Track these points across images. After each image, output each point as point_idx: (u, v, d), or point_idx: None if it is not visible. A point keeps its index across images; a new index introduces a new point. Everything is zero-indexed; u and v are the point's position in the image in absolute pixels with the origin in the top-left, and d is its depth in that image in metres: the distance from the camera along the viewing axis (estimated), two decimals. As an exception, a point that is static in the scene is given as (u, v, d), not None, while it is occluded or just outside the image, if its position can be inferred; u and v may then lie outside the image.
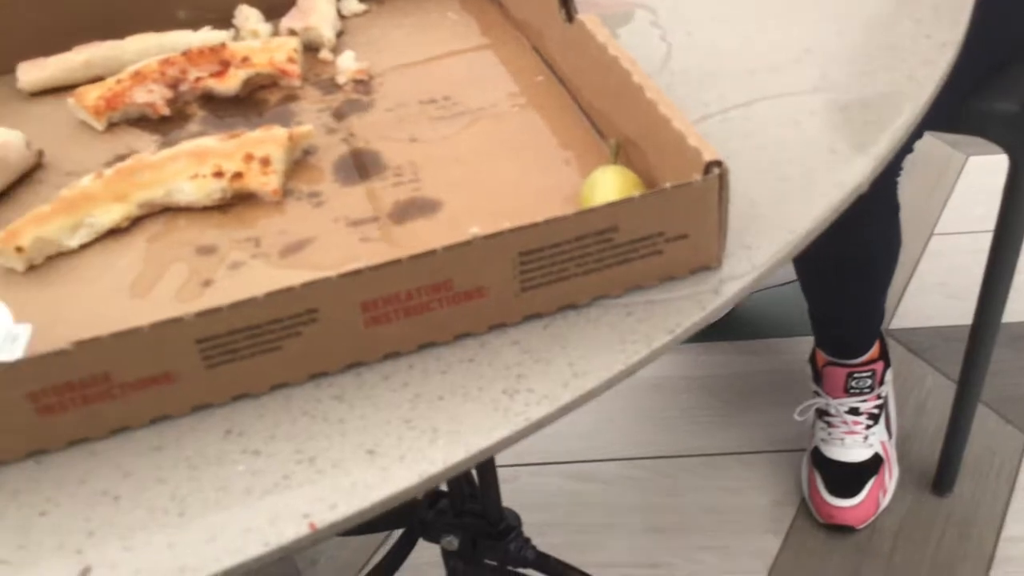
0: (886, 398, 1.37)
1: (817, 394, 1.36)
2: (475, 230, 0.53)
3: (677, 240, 0.56)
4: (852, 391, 1.33)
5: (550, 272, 0.55)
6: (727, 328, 1.65)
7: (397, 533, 1.34)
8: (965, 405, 1.34)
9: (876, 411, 1.34)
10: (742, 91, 0.70)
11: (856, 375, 1.32)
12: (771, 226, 0.60)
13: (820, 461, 1.35)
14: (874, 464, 1.34)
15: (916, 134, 1.14)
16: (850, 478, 1.33)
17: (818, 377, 1.36)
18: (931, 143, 1.97)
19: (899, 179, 1.19)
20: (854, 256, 1.21)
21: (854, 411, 1.34)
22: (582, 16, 0.68)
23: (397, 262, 0.52)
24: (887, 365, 1.36)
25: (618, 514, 1.43)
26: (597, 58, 0.65)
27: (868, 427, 1.33)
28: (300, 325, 0.52)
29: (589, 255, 0.55)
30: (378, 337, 0.54)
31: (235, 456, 0.51)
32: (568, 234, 0.54)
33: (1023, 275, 1.64)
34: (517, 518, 1.24)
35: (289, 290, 0.50)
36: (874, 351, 1.34)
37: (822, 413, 1.36)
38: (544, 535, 1.41)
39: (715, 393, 1.58)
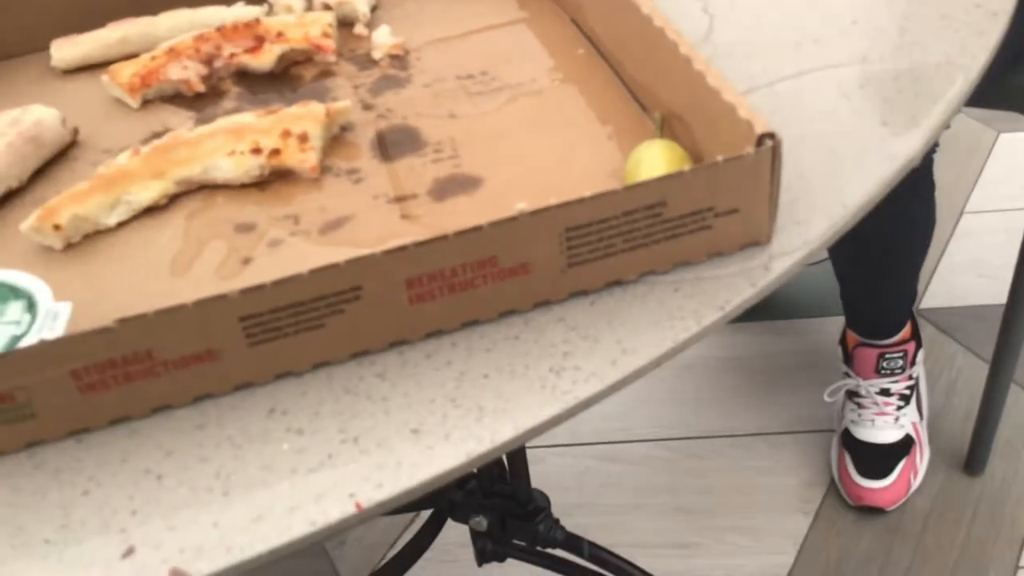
0: (917, 379, 1.36)
1: (847, 375, 1.35)
2: (521, 205, 0.52)
3: (727, 215, 0.55)
4: (883, 372, 1.31)
5: (597, 248, 0.54)
6: (758, 308, 1.63)
7: (426, 513, 1.34)
8: (998, 385, 1.32)
9: (907, 392, 1.33)
10: (789, 64, 0.69)
11: (888, 355, 1.31)
12: (823, 201, 0.59)
13: (850, 443, 1.34)
14: (905, 445, 1.32)
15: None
16: (880, 459, 1.32)
17: (848, 358, 1.35)
18: (961, 120, 1.94)
19: (935, 156, 1.17)
20: (891, 233, 1.20)
21: (885, 392, 1.32)
22: (624, -13, 0.66)
23: (443, 238, 0.51)
24: (919, 346, 1.35)
25: (646, 495, 1.42)
26: (641, 29, 0.64)
27: (899, 408, 1.32)
28: (344, 303, 0.51)
29: (637, 230, 0.54)
30: (422, 314, 0.53)
31: (279, 435, 0.50)
32: (616, 209, 0.53)
33: (1057, 254, 1.63)
34: (546, 499, 1.23)
35: (334, 267, 0.49)
36: (906, 331, 1.32)
37: (852, 394, 1.35)
38: (572, 516, 1.41)
39: (746, 374, 1.56)
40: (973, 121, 1.95)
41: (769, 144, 0.53)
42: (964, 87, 0.64)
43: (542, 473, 1.47)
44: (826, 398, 1.37)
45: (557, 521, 1.22)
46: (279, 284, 0.49)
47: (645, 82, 0.66)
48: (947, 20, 0.69)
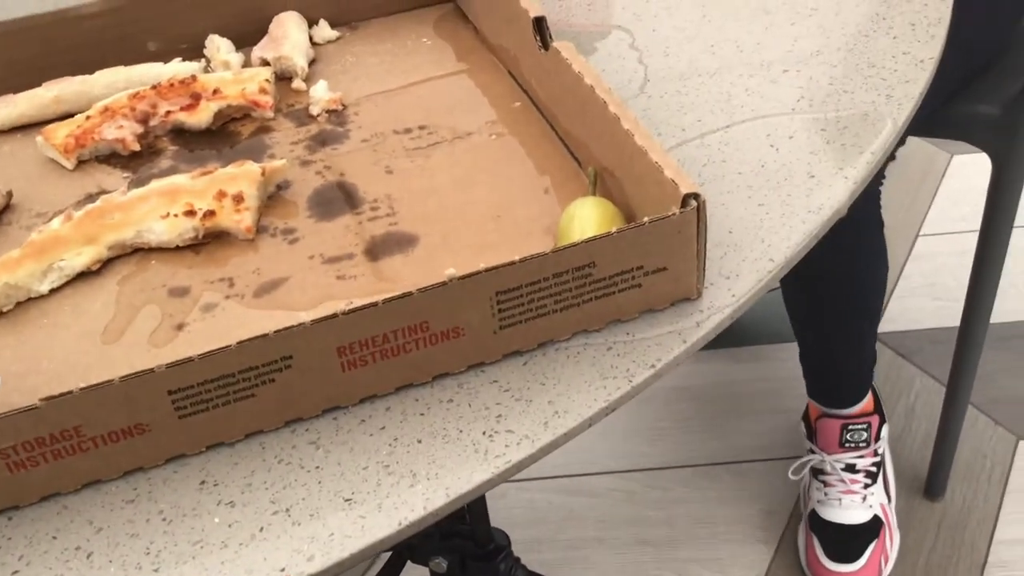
0: (883, 457, 1.32)
1: (812, 451, 1.31)
2: (451, 271, 0.52)
3: (656, 273, 0.56)
4: (848, 444, 1.28)
5: (528, 310, 0.54)
6: (720, 335, 1.64)
7: (385, 556, 1.33)
8: (954, 408, 1.33)
9: (874, 469, 1.29)
10: (720, 115, 0.70)
11: (852, 427, 1.27)
12: (750, 255, 0.59)
13: (817, 525, 1.29)
14: (874, 527, 1.28)
15: (899, 141, 1.14)
16: (849, 542, 1.26)
17: (812, 433, 1.32)
18: (915, 143, 1.96)
19: (882, 187, 1.18)
20: (839, 274, 1.18)
21: (851, 468, 1.28)
22: (557, 43, 0.67)
23: (373, 306, 0.51)
24: (883, 420, 1.32)
25: (609, 528, 1.42)
26: (573, 87, 0.65)
27: (866, 486, 1.28)
28: (274, 372, 0.51)
29: (567, 291, 0.55)
30: (355, 380, 0.53)
31: (210, 508, 0.50)
32: (545, 272, 0.53)
33: (1010, 276, 1.66)
34: (506, 537, 1.23)
35: (262, 338, 0.49)
36: (868, 403, 1.30)
37: (817, 472, 1.31)
38: (535, 551, 1.40)
39: (706, 402, 1.57)
40: (927, 144, 1.97)
41: (694, 205, 0.54)
42: (890, 137, 0.65)
43: (504, 508, 1.47)
44: (791, 476, 1.33)
45: (518, 560, 1.22)
46: (207, 357, 0.49)
47: (579, 137, 0.67)
48: (875, 68, 0.71)
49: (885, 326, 1.63)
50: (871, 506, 1.28)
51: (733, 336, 1.65)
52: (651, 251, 0.55)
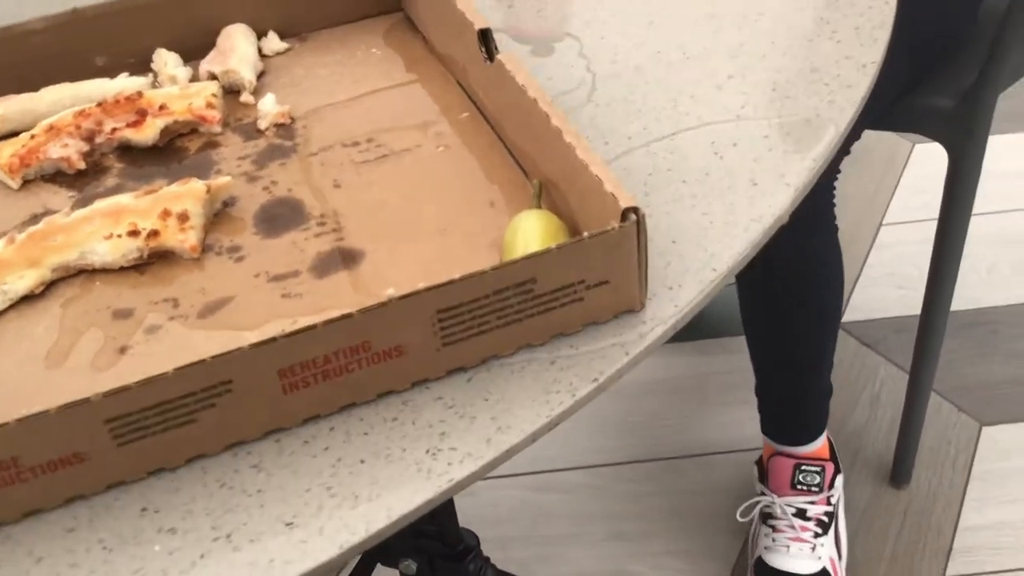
0: (836, 509, 1.27)
1: (763, 493, 1.27)
2: (391, 291, 0.52)
3: (598, 287, 0.56)
4: (799, 487, 1.24)
5: (470, 327, 0.55)
6: (686, 328, 1.65)
7: (354, 559, 1.33)
8: (918, 396, 1.34)
9: (825, 519, 1.24)
10: (666, 122, 0.70)
11: (804, 468, 1.24)
12: (693, 265, 0.60)
13: (764, 573, 1.24)
14: None
15: (854, 135, 1.14)
16: None
17: (764, 474, 1.29)
18: (877, 132, 1.98)
19: (838, 180, 1.18)
20: (792, 284, 1.16)
21: (801, 514, 1.23)
22: (502, 55, 0.67)
23: (312, 328, 0.51)
24: (837, 470, 1.28)
25: (581, 524, 1.43)
26: (517, 99, 0.65)
27: (816, 535, 1.23)
28: (214, 397, 0.51)
29: (509, 307, 0.55)
30: (297, 402, 0.53)
31: (150, 535, 0.50)
32: (486, 289, 0.53)
33: (970, 262, 1.67)
34: (475, 537, 1.23)
35: (200, 363, 0.49)
36: (823, 448, 1.26)
37: (766, 517, 1.26)
38: (507, 549, 1.41)
39: (676, 395, 1.58)
40: (889, 133, 1.98)
41: (633, 219, 0.54)
42: (831, 143, 0.66)
43: (476, 506, 1.47)
44: (738, 517, 1.29)
45: (488, 560, 1.22)
46: (144, 384, 0.49)
47: (525, 149, 0.67)
48: (818, 73, 0.71)
49: (849, 315, 1.65)
50: (820, 557, 1.22)
51: (701, 329, 1.66)
52: (592, 265, 0.55)
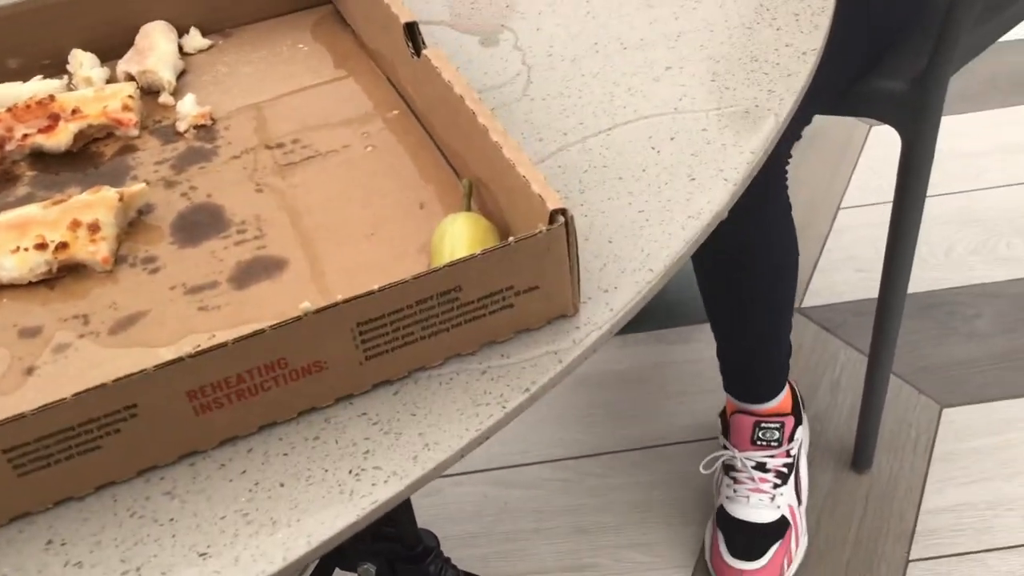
0: (796, 459, 1.31)
1: (725, 447, 1.31)
2: (306, 304, 0.49)
3: (528, 292, 0.54)
4: (759, 442, 1.27)
5: (394, 338, 0.52)
6: (645, 318, 1.63)
7: (312, 563, 1.31)
8: (877, 379, 1.34)
9: (784, 470, 1.28)
10: (602, 117, 0.68)
11: (764, 424, 1.27)
12: (629, 266, 0.57)
13: (724, 521, 1.29)
14: (780, 527, 1.27)
15: (804, 121, 1.13)
16: (753, 541, 1.26)
17: (726, 428, 1.32)
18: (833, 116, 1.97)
19: (789, 166, 1.17)
20: (746, 261, 1.17)
21: (761, 467, 1.27)
22: (428, 51, 0.64)
23: (222, 346, 0.48)
24: (798, 422, 1.30)
25: (544, 518, 1.41)
26: (444, 95, 0.62)
27: (775, 486, 1.27)
28: (119, 422, 0.48)
29: (434, 317, 0.52)
30: (211, 424, 0.50)
31: (56, 570, 0.47)
32: (408, 299, 0.51)
33: (927, 245, 1.67)
34: (435, 538, 1.21)
35: (101, 387, 0.46)
36: (784, 402, 1.29)
37: (728, 468, 1.30)
38: (470, 547, 1.39)
39: (638, 386, 1.56)
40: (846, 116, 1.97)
41: (561, 221, 0.51)
42: (772, 132, 0.63)
43: (439, 504, 1.45)
44: (701, 470, 1.32)
45: (448, 560, 1.20)
46: (41, 412, 0.46)
47: (454, 148, 0.64)
48: (757, 63, 0.69)
49: (809, 300, 1.64)
50: (779, 507, 1.27)
51: (661, 318, 1.64)
52: (520, 271, 0.53)
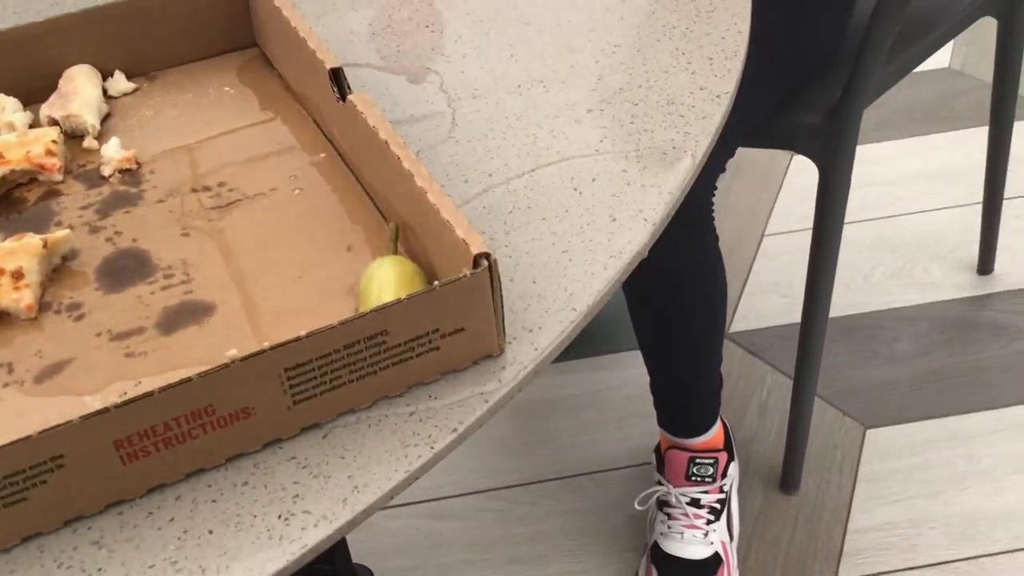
0: (729, 495, 1.33)
1: (660, 483, 1.33)
2: (233, 351, 0.50)
3: (454, 335, 0.55)
4: (694, 478, 1.29)
5: (322, 383, 0.53)
6: (577, 345, 1.65)
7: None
8: (802, 401, 1.37)
9: (718, 506, 1.31)
10: (526, 158, 0.69)
11: (698, 460, 1.29)
12: (553, 305, 0.59)
13: (658, 557, 1.30)
14: (714, 564, 1.29)
15: (727, 153, 1.16)
16: None
17: (661, 464, 1.34)
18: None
19: (715, 196, 1.20)
20: (675, 292, 1.19)
21: (695, 503, 1.29)
22: (353, 96, 0.65)
23: (148, 395, 0.48)
24: (731, 458, 1.33)
25: (478, 550, 1.42)
26: (370, 140, 0.63)
27: (709, 522, 1.29)
28: (45, 474, 0.48)
29: (361, 360, 0.53)
30: (138, 472, 0.50)
31: (-20, 626, 0.47)
32: (335, 344, 0.52)
33: (848, 270, 1.72)
34: (370, 573, 1.21)
35: (26, 440, 0.46)
36: (716, 437, 1.31)
37: (663, 504, 1.32)
38: (404, 580, 1.39)
39: (572, 412, 1.58)
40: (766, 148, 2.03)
41: (484, 265, 0.53)
42: (688, 174, 0.66)
43: (372, 538, 1.45)
44: (636, 506, 1.34)
45: (382, 595, 1.20)
46: (-35, 466, 0.46)
47: (380, 191, 0.65)
48: (674, 105, 0.71)
49: (736, 325, 1.67)
50: (712, 543, 1.29)
51: (593, 345, 1.66)
52: (446, 314, 0.54)
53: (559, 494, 1.47)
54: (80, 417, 0.47)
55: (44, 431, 0.46)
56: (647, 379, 1.32)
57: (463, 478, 1.50)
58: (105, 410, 0.47)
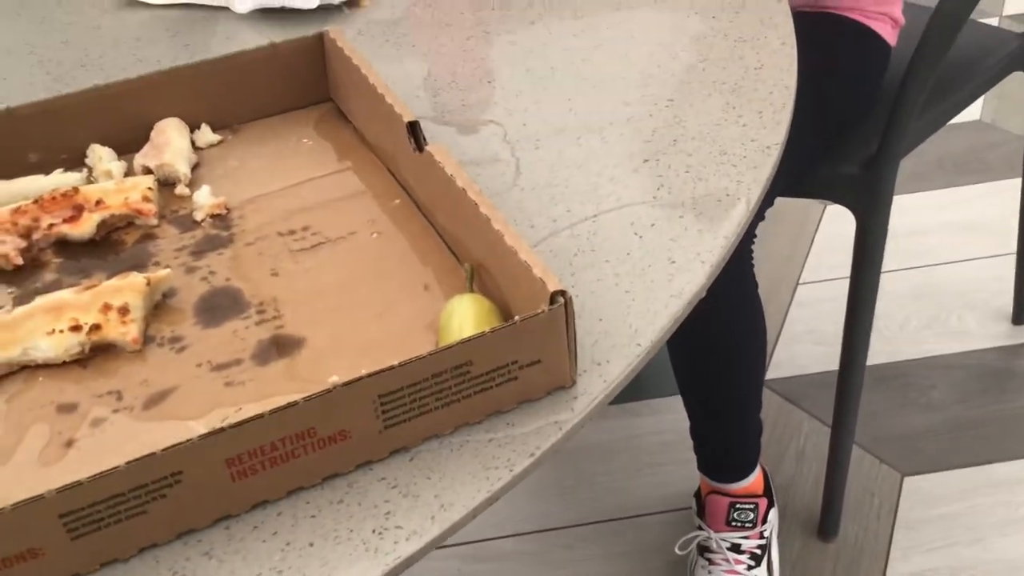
0: (769, 540, 1.35)
1: (700, 528, 1.35)
2: (334, 378, 0.55)
3: (531, 366, 0.59)
4: (734, 523, 1.32)
5: (411, 409, 0.57)
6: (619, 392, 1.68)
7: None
8: (840, 449, 1.39)
9: (759, 551, 1.33)
10: (588, 204, 0.74)
11: (739, 506, 1.32)
12: (619, 341, 0.63)
13: None
14: None
15: (767, 203, 1.21)
16: None
17: (701, 510, 1.36)
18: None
19: (755, 244, 1.24)
20: (715, 340, 1.22)
21: (736, 548, 1.32)
22: (431, 147, 0.70)
23: (259, 417, 0.53)
24: (771, 504, 1.36)
25: (515, 593, 1.44)
26: (446, 187, 0.68)
27: (750, 568, 1.31)
28: (164, 488, 0.52)
29: (447, 389, 0.57)
30: (246, 489, 0.55)
31: (105, 628, 0.51)
32: (425, 373, 0.56)
33: (883, 319, 1.75)
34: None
35: (151, 456, 0.51)
36: (756, 482, 1.34)
37: (703, 549, 1.34)
38: (443, 623, 1.41)
39: (610, 457, 1.60)
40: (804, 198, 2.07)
41: (561, 302, 0.57)
42: (741, 219, 0.70)
43: (413, 579, 1.47)
44: (677, 551, 1.36)
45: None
46: (96, 479, 0.50)
47: (455, 234, 0.70)
48: (726, 156, 0.76)
49: (772, 372, 1.70)
50: None
51: (632, 391, 1.69)
52: (524, 346, 0.58)
53: (596, 538, 1.49)
54: (199, 436, 0.52)
55: (167, 449, 0.51)
56: (683, 424, 1.35)
57: (499, 521, 1.53)
58: (221, 430, 0.52)
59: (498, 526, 1.52)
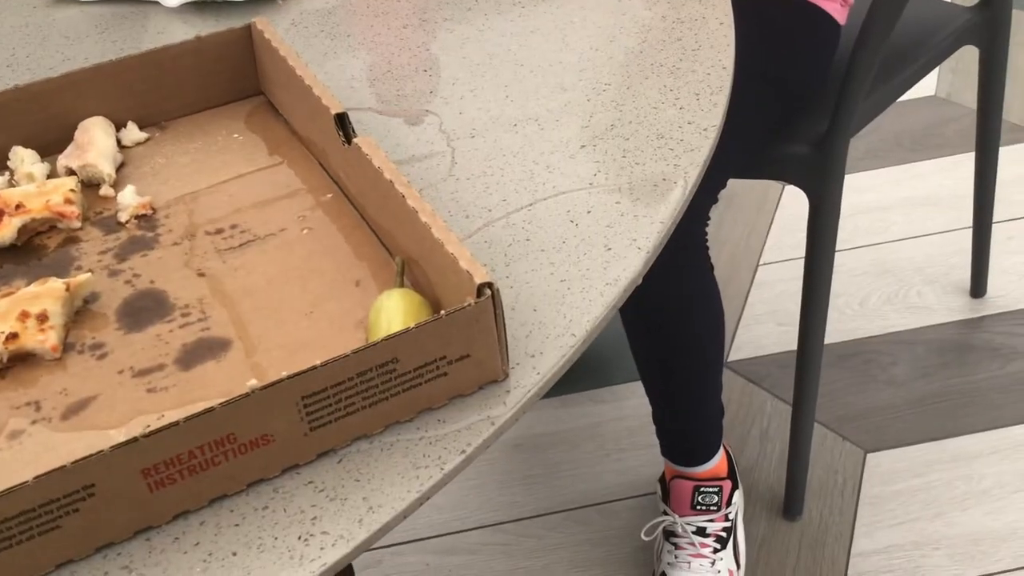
0: (734, 523, 1.35)
1: (665, 513, 1.35)
2: (252, 381, 0.53)
3: (460, 361, 0.58)
4: (699, 507, 1.31)
5: (336, 409, 0.55)
6: (577, 379, 1.68)
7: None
8: (802, 428, 1.39)
9: (724, 534, 1.33)
10: (524, 193, 0.73)
11: (703, 489, 1.31)
12: (553, 332, 0.62)
13: None
14: None
15: (719, 185, 1.20)
16: None
17: (666, 494, 1.36)
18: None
19: (709, 226, 1.23)
20: (671, 324, 1.21)
21: (701, 532, 1.31)
22: (359, 139, 0.69)
23: (174, 425, 0.51)
24: (735, 486, 1.35)
25: (487, 584, 1.43)
26: (375, 180, 0.66)
27: (715, 551, 1.31)
28: (77, 502, 0.50)
29: (374, 387, 0.56)
30: (165, 499, 0.53)
31: (18, 650, 0.49)
32: (348, 372, 0.54)
33: (844, 297, 1.75)
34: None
35: (60, 469, 0.49)
36: (720, 465, 1.33)
37: (669, 534, 1.34)
38: (413, 617, 1.40)
39: (573, 445, 1.60)
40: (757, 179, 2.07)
41: (488, 294, 0.56)
42: (678, 203, 0.69)
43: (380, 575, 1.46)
44: (643, 536, 1.35)
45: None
46: (3, 496, 0.48)
47: (386, 228, 0.68)
48: (663, 139, 0.75)
49: (734, 354, 1.70)
50: (719, 571, 1.31)
51: (592, 378, 1.68)
52: (452, 341, 0.57)
53: (565, 526, 1.48)
54: (111, 447, 0.50)
55: (77, 461, 0.49)
56: (646, 410, 1.34)
57: (469, 513, 1.52)
58: (134, 440, 0.50)
59: (467, 518, 1.51)
